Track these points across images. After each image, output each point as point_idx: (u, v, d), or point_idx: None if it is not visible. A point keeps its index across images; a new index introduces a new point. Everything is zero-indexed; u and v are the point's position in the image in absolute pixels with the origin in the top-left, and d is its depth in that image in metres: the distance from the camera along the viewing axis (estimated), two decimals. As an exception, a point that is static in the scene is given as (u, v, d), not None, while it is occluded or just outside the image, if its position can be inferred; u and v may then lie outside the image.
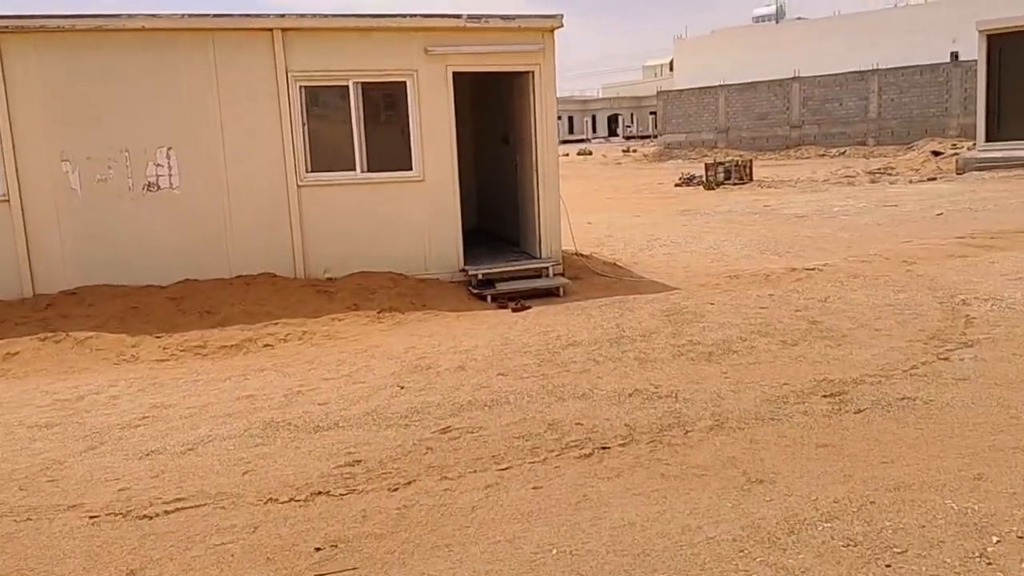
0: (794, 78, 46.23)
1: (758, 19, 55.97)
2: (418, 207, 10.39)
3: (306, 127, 10.03)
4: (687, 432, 5.36)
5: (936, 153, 28.94)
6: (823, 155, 44.08)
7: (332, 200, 10.16)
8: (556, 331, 8.35)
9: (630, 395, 6.17)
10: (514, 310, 9.54)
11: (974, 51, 43.00)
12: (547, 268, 10.61)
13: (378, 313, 9.37)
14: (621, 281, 10.96)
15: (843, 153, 43.58)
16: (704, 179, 28.59)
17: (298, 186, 10.03)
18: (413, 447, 5.34)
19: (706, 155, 47.85)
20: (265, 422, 6.00)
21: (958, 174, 22.61)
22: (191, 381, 7.29)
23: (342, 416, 6.04)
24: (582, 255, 12.54)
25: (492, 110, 12.84)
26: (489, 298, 10.05)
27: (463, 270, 10.54)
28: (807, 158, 43.79)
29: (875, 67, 43.94)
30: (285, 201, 10.00)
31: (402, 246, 10.37)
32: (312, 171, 10.10)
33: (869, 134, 44.14)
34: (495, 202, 13.30)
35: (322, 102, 10.22)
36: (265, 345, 8.58)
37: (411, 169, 10.33)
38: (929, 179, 23.02)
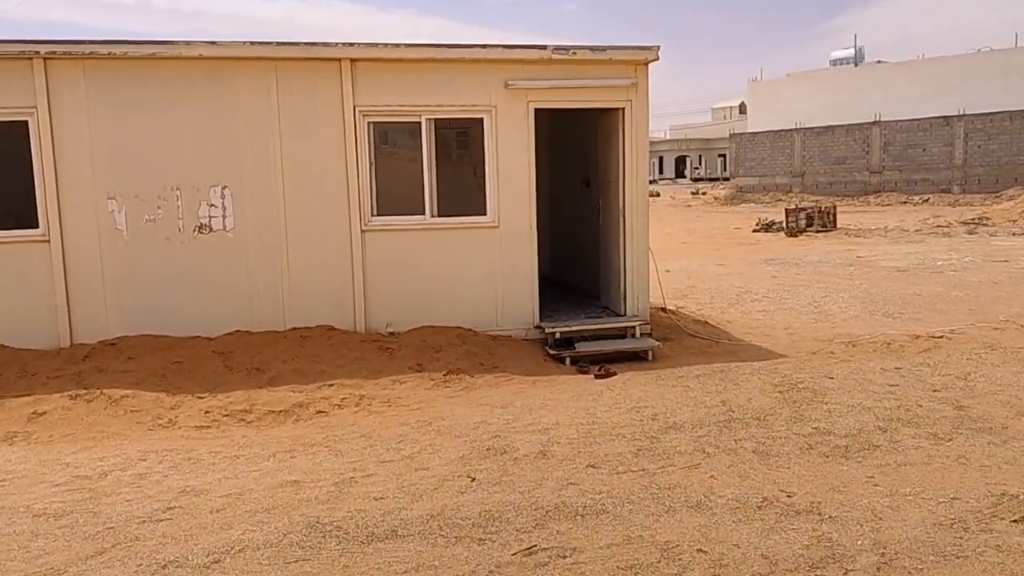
0: (874, 122, 44.41)
1: (836, 62, 54.26)
2: (491, 256, 9.33)
3: (373, 166, 9.09)
4: (847, 572, 4.09)
5: (1037, 203, 26.92)
6: (905, 202, 42.09)
7: (398, 247, 9.17)
8: (651, 407, 7.13)
9: (758, 507, 4.91)
10: (598, 376, 8.35)
11: (1070, 96, 40.88)
12: (633, 327, 9.41)
13: (444, 376, 8.28)
14: (718, 344, 9.69)
15: (926, 201, 41.52)
16: (785, 225, 27.11)
17: (362, 231, 9.07)
18: (490, 576, 4.18)
19: (780, 199, 46.18)
20: (310, 523, 4.91)
21: (1070, 227, 20.75)
22: (231, 457, 6.27)
23: (401, 519, 4.91)
24: (667, 310, 11.30)
25: (571, 149, 11.78)
26: (568, 360, 8.89)
27: (539, 327, 9.42)
28: (888, 205, 41.84)
29: (961, 112, 41.89)
30: (348, 247, 9.05)
31: (472, 299, 9.31)
32: (378, 214, 9.14)
33: (954, 181, 42.00)
34: (572, 250, 12.18)
35: (391, 140, 9.28)
36: (318, 412, 7.55)
37: (485, 214, 9.30)
38: (1037, 232, 21.19)
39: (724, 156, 73.61)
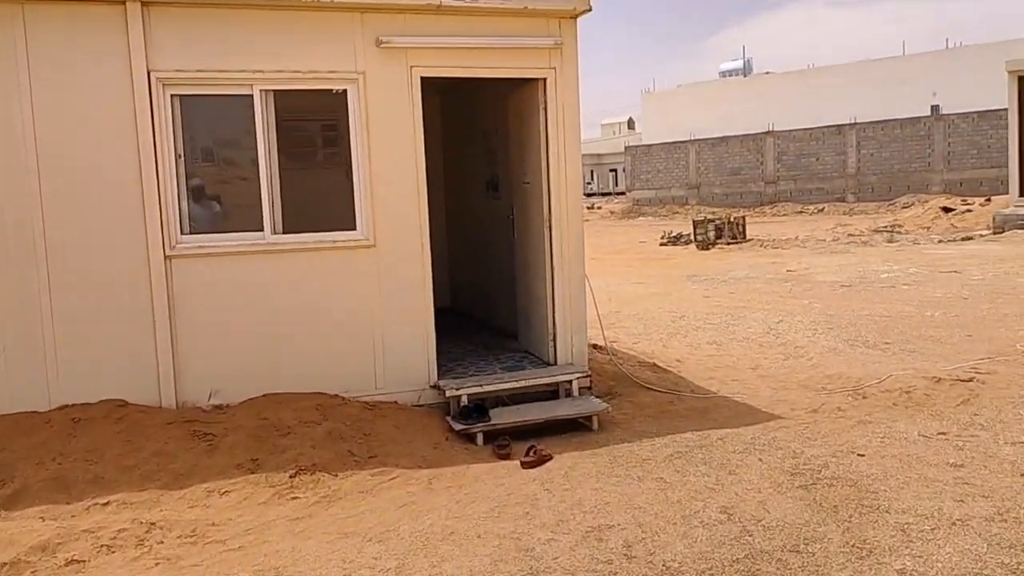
0: (768, 132, 43.63)
1: (725, 73, 53.66)
2: (365, 288, 6.43)
3: (181, 161, 6.06)
4: None
5: (947, 209, 25.91)
6: (800, 212, 41.27)
7: (225, 279, 6.16)
8: (617, 526, 4.38)
9: None
10: (526, 464, 5.54)
11: (956, 104, 41.02)
12: (568, 382, 6.67)
13: (291, 478, 5.31)
14: (680, 399, 7.05)
15: (821, 210, 40.81)
16: (694, 238, 25.15)
17: (167, 256, 6.01)
18: None
19: (677, 211, 44.81)
20: None
21: (996, 233, 19.38)
22: None
23: None
24: (599, 347, 8.61)
25: (473, 140, 9.02)
26: (481, 438, 6.06)
27: (437, 387, 6.57)
28: (785, 215, 40.91)
29: (853, 121, 41.48)
30: (145, 281, 5.98)
31: (338, 351, 6.37)
32: (191, 232, 6.11)
33: (848, 190, 41.50)
34: (478, 274, 9.38)
35: (209, 121, 6.28)
36: (69, 562, 4.46)
37: (353, 229, 6.40)
38: (964, 238, 19.75)
39: (615, 171, 72.63)
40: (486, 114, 8.48)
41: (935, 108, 41.45)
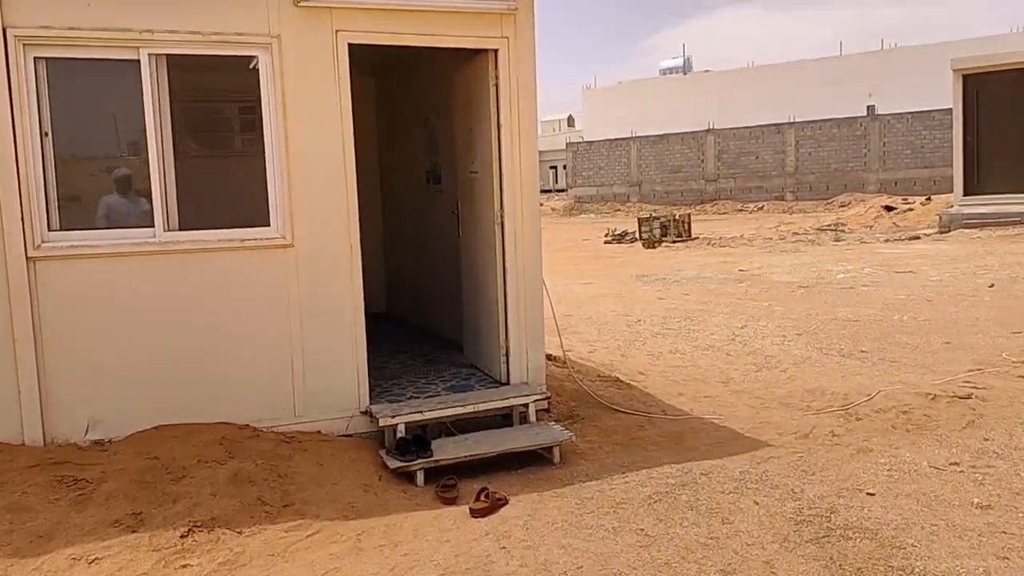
0: (708, 130, 43.33)
1: (665, 71, 53.33)
2: (280, 296, 5.33)
3: (48, 140, 4.88)
4: None
5: (889, 208, 25.71)
6: (740, 210, 41.02)
7: (106, 286, 5.00)
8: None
9: None
10: (476, 512, 4.52)
11: (891, 104, 41.30)
12: (524, 405, 5.67)
13: (182, 537, 4.20)
14: (651, 422, 6.12)
15: (761, 208, 40.66)
16: (639, 235, 24.45)
17: (30, 258, 4.83)
18: None
19: (619, 209, 44.26)
20: None
21: (943, 232, 19.06)
22: None
23: None
24: (554, 358, 7.65)
25: (411, 127, 7.98)
26: (421, 476, 5.03)
27: (368, 413, 5.50)
28: (725, 213, 40.62)
29: (791, 120, 41.45)
30: (3, 286, 4.79)
31: (248, 372, 5.27)
32: (60, 228, 4.93)
33: (787, 189, 41.45)
34: (417, 276, 8.33)
35: (86, 92, 5.10)
36: None
37: (267, 225, 5.29)
38: (911, 238, 19.39)
39: (555, 168, 72.05)
40: (427, 96, 7.45)
41: (871, 108, 41.71)
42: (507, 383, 5.94)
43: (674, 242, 23.38)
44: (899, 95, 41.24)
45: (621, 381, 7.24)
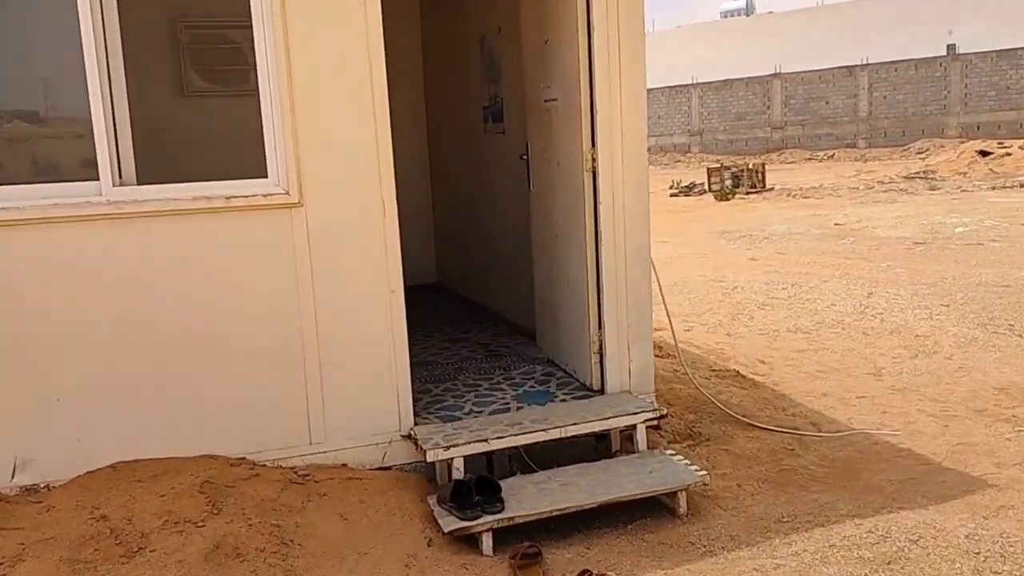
0: (774, 75, 40.50)
1: (726, 14, 50.13)
2: (285, 277, 3.69)
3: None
4: None
5: (984, 153, 23.14)
6: (810, 158, 38.35)
7: (35, 261, 3.42)
8: None
9: None
10: (575, 611, 2.88)
11: (973, 43, 37.94)
12: (631, 425, 3.97)
13: (122, 669, 2.65)
14: (802, 443, 4.35)
15: (831, 156, 37.96)
16: (708, 187, 22.40)
17: (-81, 229, 3.27)
18: None
19: (679, 160, 41.85)
20: None
21: (1061, 178, 16.69)
22: None
23: None
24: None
25: (464, 51, 6.25)
26: (489, 541, 3.39)
27: (410, 437, 3.87)
28: (793, 162, 37.97)
29: (865, 62, 38.36)
30: None
31: (242, 384, 3.66)
32: (-38, 185, 3.36)
33: (859, 135, 38.57)
34: (474, 240, 6.63)
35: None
36: None
37: (264, 176, 3.64)
38: (1022, 184, 17.04)
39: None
40: (483, 6, 5.68)
41: (951, 47, 38.30)
42: (601, 390, 4.25)
43: (748, 193, 21.30)
44: (982, 33, 37.77)
45: (741, 376, 5.50)
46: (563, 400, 4.19)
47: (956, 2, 39.75)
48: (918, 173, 22.45)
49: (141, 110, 3.71)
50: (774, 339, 6.64)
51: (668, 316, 5.05)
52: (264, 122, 3.55)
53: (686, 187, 23.53)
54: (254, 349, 3.65)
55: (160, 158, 3.86)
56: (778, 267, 10.02)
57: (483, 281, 6.37)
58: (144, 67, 4.20)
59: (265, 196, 3.57)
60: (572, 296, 4.43)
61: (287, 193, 3.60)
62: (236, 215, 3.57)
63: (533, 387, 4.44)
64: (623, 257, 4.13)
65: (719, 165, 23.33)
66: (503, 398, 4.30)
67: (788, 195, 19.87)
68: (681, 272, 10.05)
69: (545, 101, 4.57)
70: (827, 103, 39.31)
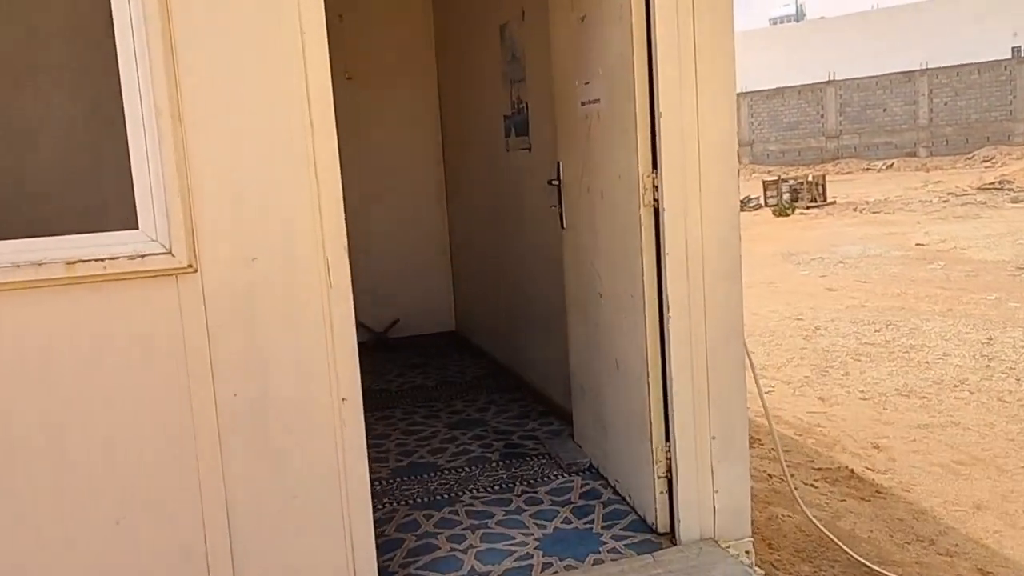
0: (828, 81, 38.49)
1: (775, 20, 48.20)
2: (170, 396, 2.32)
3: None
4: None
5: (1066, 160, 21.05)
6: (867, 169, 36.20)
7: None
8: None
9: None
10: None
11: (1043, 44, 35.49)
12: (713, 602, 2.53)
13: None
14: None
15: (890, 166, 35.77)
16: (764, 202, 20.76)
17: None
18: None
19: (728, 172, 40.08)
20: None
21: None
22: None
23: None
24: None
25: (476, 36, 4.88)
26: None
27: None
28: (849, 172, 35.86)
29: (924, 66, 36.16)
30: None
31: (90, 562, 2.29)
32: None
33: (920, 143, 36.34)
34: (494, 283, 5.21)
35: None
36: None
37: (135, 228, 2.28)
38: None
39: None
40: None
41: (1016, 50, 35.89)
42: (669, 534, 2.80)
43: (808, 208, 19.60)
44: (1049, 33, 35.38)
45: (857, 476, 3.98)
46: (612, 554, 2.74)
47: (1020, 3, 37.34)
48: (994, 183, 20.47)
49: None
50: (882, 407, 5.10)
51: (760, 394, 3.58)
52: (129, 137, 2.19)
53: (740, 202, 21.85)
54: (130, 515, 2.27)
55: None
56: (863, 300, 8.43)
57: (508, 336, 4.95)
58: None
59: (132, 258, 2.20)
60: (624, 387, 2.99)
61: (169, 253, 2.23)
62: (91, 288, 2.20)
63: (568, 523, 3.00)
64: (702, 335, 2.68)
65: (776, 178, 21.64)
66: (523, 542, 2.87)
67: (854, 209, 18.11)
68: (747, 306, 8.49)
69: (582, 104, 3.15)
70: (884, 110, 37.18)
